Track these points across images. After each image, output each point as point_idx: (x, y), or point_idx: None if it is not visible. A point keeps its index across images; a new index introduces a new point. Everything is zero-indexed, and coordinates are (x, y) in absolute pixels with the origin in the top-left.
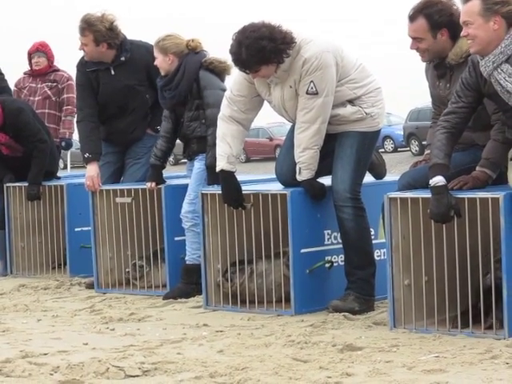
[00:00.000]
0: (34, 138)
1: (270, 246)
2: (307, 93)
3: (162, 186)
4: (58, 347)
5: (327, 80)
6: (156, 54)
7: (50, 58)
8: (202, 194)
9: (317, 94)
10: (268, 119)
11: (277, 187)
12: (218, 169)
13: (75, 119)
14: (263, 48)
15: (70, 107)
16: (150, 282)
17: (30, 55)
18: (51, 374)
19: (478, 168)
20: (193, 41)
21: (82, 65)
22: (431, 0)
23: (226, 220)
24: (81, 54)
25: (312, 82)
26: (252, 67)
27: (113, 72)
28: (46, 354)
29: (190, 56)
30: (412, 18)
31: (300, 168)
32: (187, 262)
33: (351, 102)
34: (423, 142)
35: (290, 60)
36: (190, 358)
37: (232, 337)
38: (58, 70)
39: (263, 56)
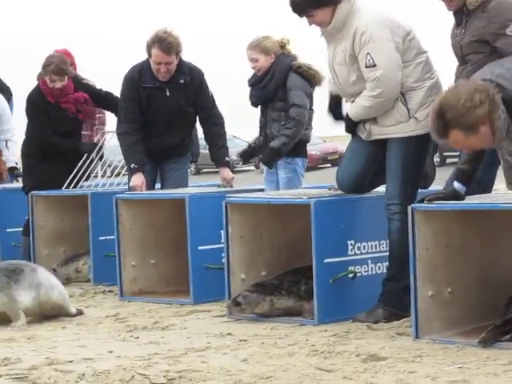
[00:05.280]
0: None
1: (293, 256)
2: (366, 66)
3: (186, 196)
4: (83, 355)
5: (384, 52)
6: (257, 55)
7: (74, 67)
8: (226, 204)
9: (374, 66)
10: None
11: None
12: None
13: (116, 130)
14: None
15: (101, 115)
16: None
17: None
18: (77, 382)
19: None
20: (282, 39)
21: (135, 80)
22: None
23: (250, 230)
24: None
25: (368, 54)
26: (305, 10)
27: (168, 93)
28: (71, 362)
29: (281, 58)
30: None
31: (350, 107)
32: None
33: (402, 94)
34: None
35: (344, 21)
36: (215, 366)
37: (256, 346)
38: (82, 79)
39: None
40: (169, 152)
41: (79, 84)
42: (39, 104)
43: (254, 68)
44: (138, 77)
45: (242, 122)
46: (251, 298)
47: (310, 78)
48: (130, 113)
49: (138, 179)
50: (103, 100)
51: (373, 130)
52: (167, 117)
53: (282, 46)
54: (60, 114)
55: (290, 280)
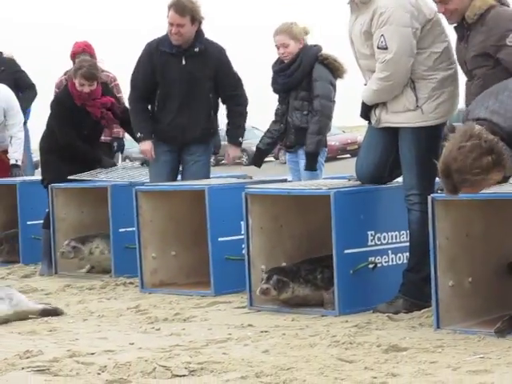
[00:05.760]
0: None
1: (313, 247)
2: (378, 47)
3: (205, 188)
4: (104, 347)
5: (398, 36)
6: (288, 40)
7: (94, 59)
8: (246, 195)
9: (386, 48)
10: None
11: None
12: None
13: (128, 98)
14: None
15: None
16: None
17: (75, 56)
18: (99, 374)
19: None
20: (305, 27)
21: (153, 46)
22: None
23: (270, 221)
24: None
25: (382, 35)
26: None
27: (184, 62)
28: (93, 354)
29: (308, 48)
30: None
31: (363, 90)
32: None
33: (412, 81)
34: None
35: None
36: (236, 358)
37: (277, 337)
38: (102, 71)
39: None
40: (184, 135)
41: (108, 91)
42: (64, 104)
43: (283, 54)
44: (156, 44)
45: (261, 114)
46: (282, 284)
47: (334, 70)
48: (141, 76)
49: (147, 144)
50: (124, 110)
51: (382, 117)
52: (182, 87)
53: (306, 33)
54: (84, 118)
55: (307, 268)
